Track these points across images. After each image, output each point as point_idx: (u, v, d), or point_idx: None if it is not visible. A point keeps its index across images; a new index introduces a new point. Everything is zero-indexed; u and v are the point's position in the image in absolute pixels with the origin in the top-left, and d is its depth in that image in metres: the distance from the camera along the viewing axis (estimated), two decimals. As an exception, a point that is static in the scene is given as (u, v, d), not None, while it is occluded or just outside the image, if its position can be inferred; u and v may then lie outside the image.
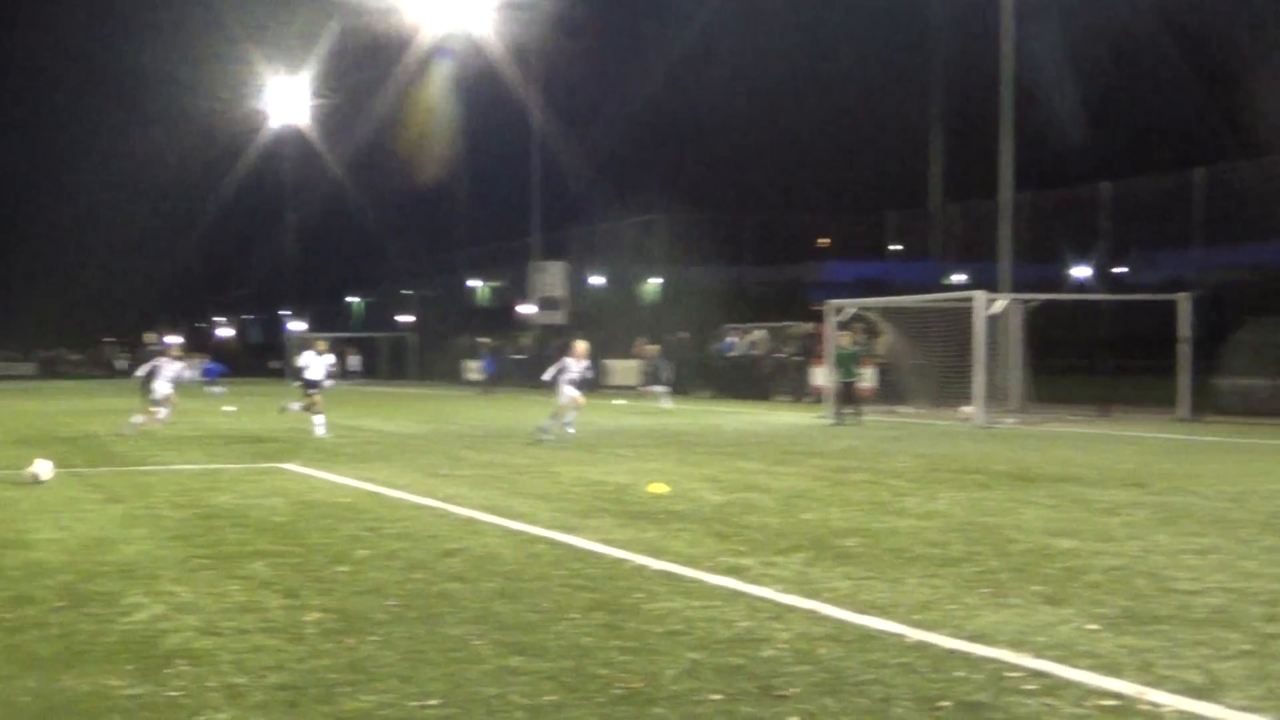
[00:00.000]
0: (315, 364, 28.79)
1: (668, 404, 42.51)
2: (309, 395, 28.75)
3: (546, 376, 27.86)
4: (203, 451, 24.64)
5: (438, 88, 77.86)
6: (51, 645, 8.56)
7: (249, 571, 11.28)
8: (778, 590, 10.26)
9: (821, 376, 41.44)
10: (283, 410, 31.36)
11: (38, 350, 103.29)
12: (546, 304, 72.67)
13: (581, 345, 28.08)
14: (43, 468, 18.82)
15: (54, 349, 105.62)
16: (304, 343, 35.30)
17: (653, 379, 46.11)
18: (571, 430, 27.12)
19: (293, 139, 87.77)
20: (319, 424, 28.02)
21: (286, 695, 7.36)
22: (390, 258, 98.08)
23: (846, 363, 33.41)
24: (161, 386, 29.21)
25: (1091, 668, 7.78)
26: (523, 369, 65.90)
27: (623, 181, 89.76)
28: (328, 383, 29.36)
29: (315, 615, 9.41)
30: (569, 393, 26.95)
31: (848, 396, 33.36)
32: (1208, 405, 34.55)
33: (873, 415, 34.61)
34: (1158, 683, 7.42)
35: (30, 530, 13.80)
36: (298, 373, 30.21)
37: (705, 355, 53.83)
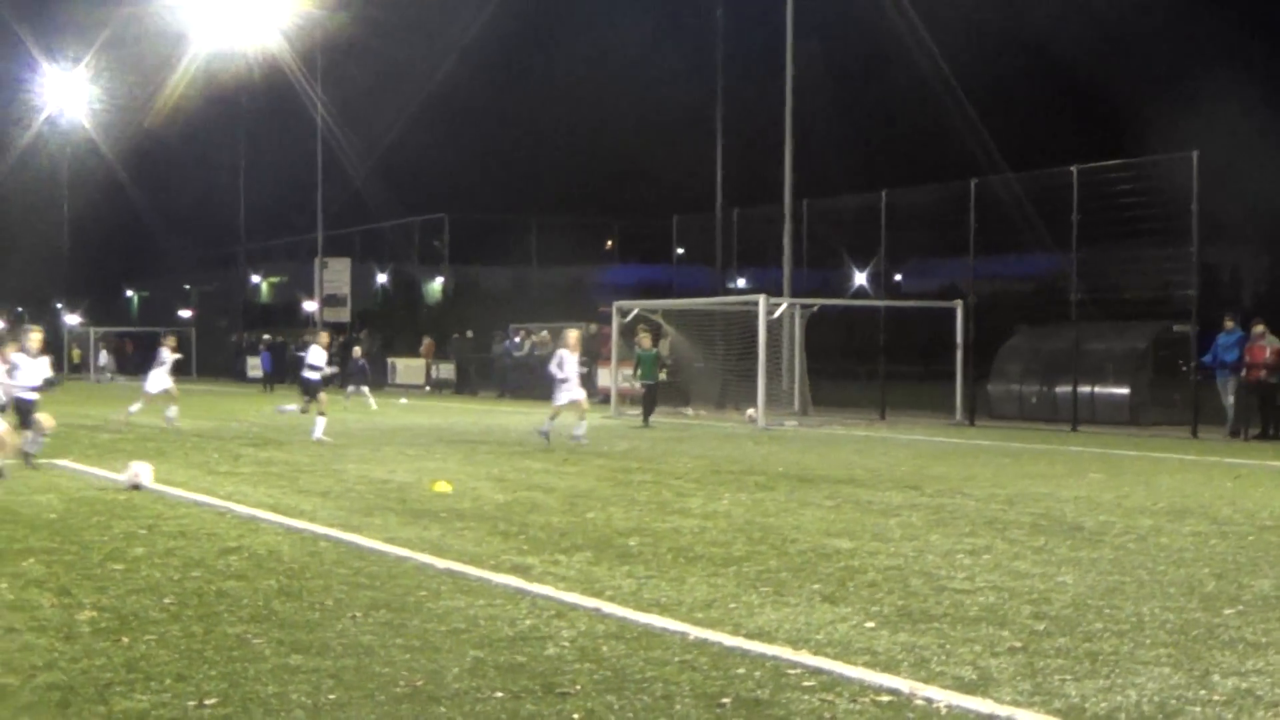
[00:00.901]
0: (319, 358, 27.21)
1: (371, 404, 41.60)
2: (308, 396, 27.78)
3: (552, 369, 25.98)
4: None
5: (219, 82, 76.44)
6: None
7: (19, 569, 10.97)
8: (561, 589, 10.29)
9: (607, 377, 41.64)
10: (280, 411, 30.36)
11: None
12: (331, 301, 71.92)
13: (574, 334, 26.58)
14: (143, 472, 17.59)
15: None
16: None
17: (360, 378, 44.86)
18: (580, 435, 25.18)
19: (70, 130, 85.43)
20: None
21: (58, 695, 7.18)
22: (170, 252, 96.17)
23: (648, 364, 33.45)
24: None
25: (868, 665, 7.94)
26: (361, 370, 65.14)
27: (408, 180, 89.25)
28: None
29: (89, 614, 9.20)
30: (570, 393, 25.57)
31: (652, 398, 33.34)
32: (982, 410, 35.48)
33: (657, 417, 34.84)
34: (931, 679, 7.61)
35: None
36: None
37: (491, 355, 53.70)
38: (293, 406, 30.02)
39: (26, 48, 78.65)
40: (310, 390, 27.09)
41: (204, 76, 71.28)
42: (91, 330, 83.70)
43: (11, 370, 20.11)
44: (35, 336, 21.18)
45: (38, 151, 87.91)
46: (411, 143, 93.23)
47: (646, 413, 32.97)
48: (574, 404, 25.63)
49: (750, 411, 33.84)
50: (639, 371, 33.92)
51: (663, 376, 33.23)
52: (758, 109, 50.62)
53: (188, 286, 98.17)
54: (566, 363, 25.64)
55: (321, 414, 25.89)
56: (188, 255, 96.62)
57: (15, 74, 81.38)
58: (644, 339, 34.76)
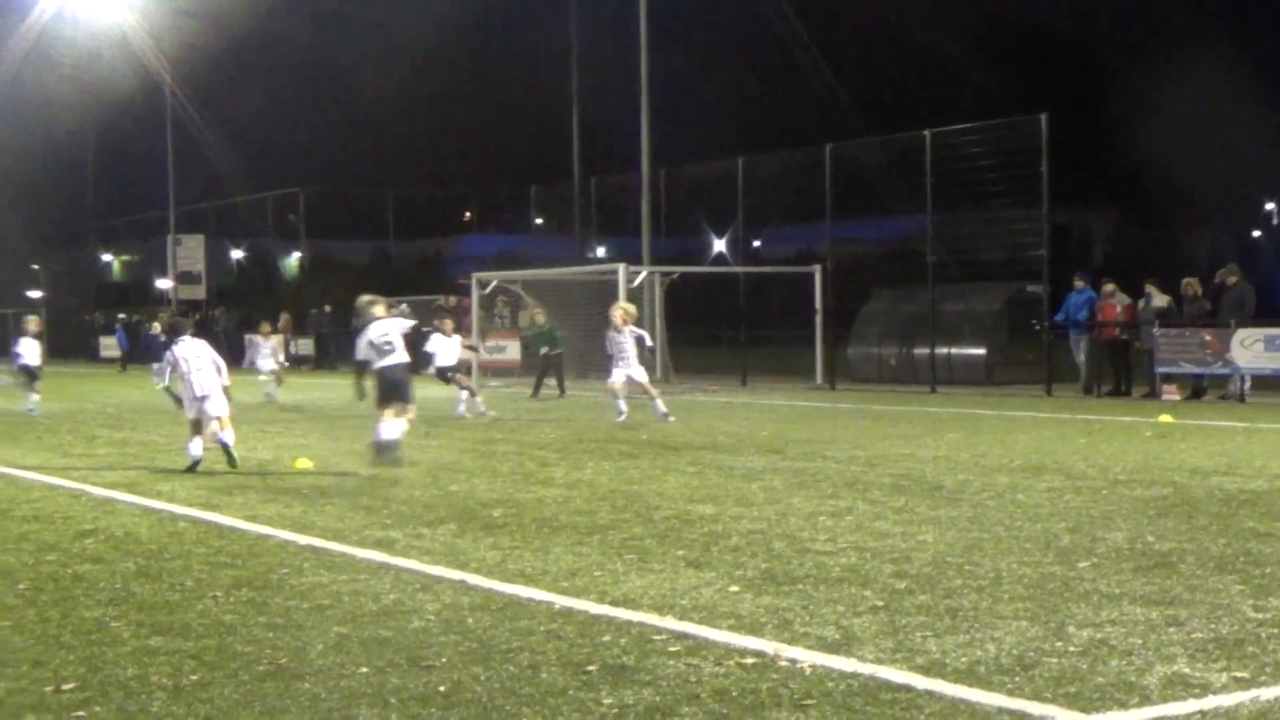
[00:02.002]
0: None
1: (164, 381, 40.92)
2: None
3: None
4: None
5: (67, 51, 74.85)
6: None
7: None
8: (426, 562, 10.25)
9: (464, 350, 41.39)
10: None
11: None
12: (185, 278, 70.84)
13: (625, 310, 24.92)
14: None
15: None
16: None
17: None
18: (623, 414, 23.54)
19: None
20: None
21: (-90, 686, 7.03)
22: (14, 230, 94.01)
23: (545, 337, 33.00)
24: None
25: (733, 628, 8.00)
26: (160, 346, 64.12)
27: (262, 154, 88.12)
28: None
29: (-60, 602, 9.01)
30: (632, 372, 24.08)
31: (546, 369, 32.82)
32: (842, 373, 35.81)
33: (517, 388, 34.81)
34: (796, 640, 7.68)
35: None
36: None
37: (350, 330, 53.27)
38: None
39: None
40: None
41: (49, 46, 69.78)
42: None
43: None
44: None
45: None
46: (265, 116, 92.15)
47: (540, 383, 32.50)
48: (625, 382, 24.12)
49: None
50: (537, 344, 33.43)
51: (552, 351, 32.75)
52: (614, 76, 50.62)
53: (36, 266, 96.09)
54: (621, 346, 24.26)
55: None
56: (33, 233, 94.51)
57: None
58: (537, 314, 34.38)
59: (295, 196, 77.10)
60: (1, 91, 75.16)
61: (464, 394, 25.43)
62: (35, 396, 27.84)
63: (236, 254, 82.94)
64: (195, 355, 16.99)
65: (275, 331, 32.10)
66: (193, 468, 16.41)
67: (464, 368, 25.97)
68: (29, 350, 28.66)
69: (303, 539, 11.41)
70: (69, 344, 71.31)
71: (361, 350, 16.69)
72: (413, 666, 7.24)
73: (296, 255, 79.54)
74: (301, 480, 15.59)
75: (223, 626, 8.22)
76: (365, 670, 7.17)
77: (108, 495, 14.56)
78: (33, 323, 29.97)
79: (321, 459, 17.64)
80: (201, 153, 73.41)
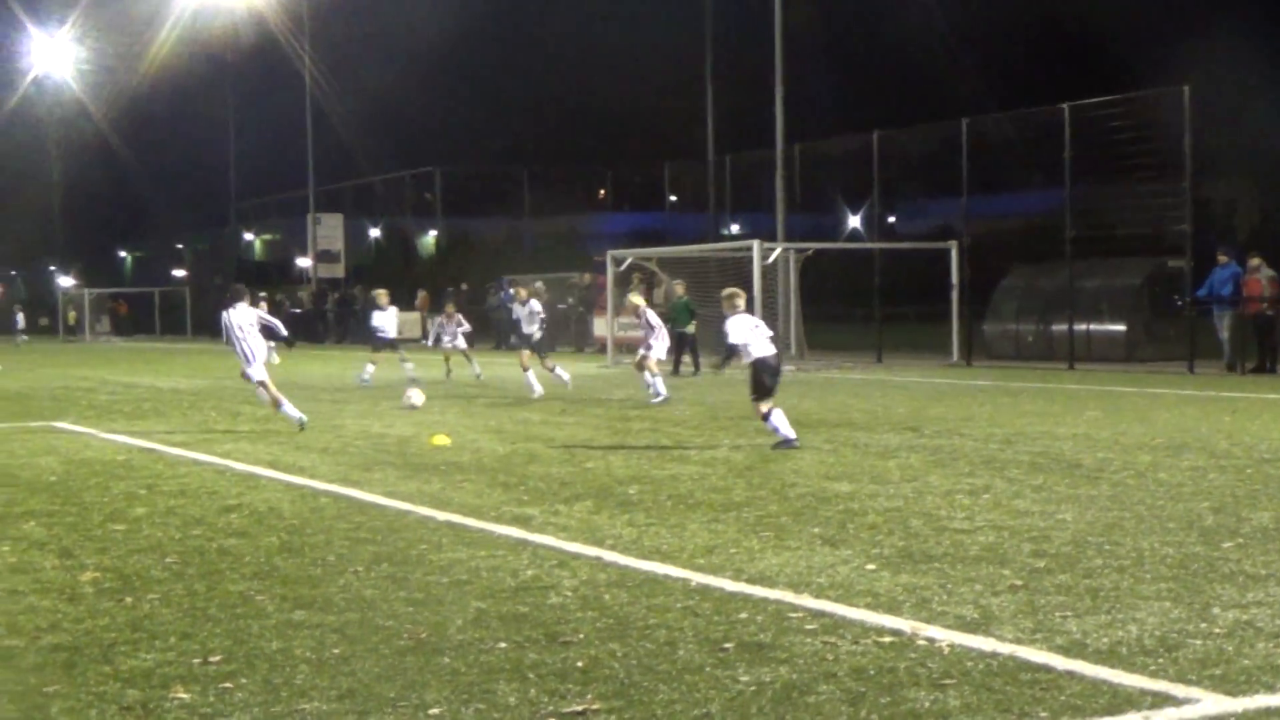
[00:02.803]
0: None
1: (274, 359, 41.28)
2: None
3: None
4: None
5: (208, 37, 76.10)
6: None
7: (21, 532, 11.00)
8: (562, 538, 10.32)
9: (603, 326, 41.64)
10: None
11: None
12: (324, 257, 71.79)
13: (678, 286, 25.13)
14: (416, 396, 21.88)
15: None
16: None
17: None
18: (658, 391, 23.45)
19: (57, 91, 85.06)
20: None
21: (63, 656, 7.20)
22: (162, 211, 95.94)
23: (681, 312, 32.91)
24: None
25: (870, 606, 7.97)
26: (300, 323, 65.07)
27: (400, 133, 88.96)
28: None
29: (91, 575, 9.22)
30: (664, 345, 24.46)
31: (681, 346, 32.73)
32: (978, 350, 35.49)
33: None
34: (933, 619, 7.63)
35: None
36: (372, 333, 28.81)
37: (485, 307, 53.64)
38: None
39: (10, 8, 78.19)
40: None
41: (191, 33, 70.98)
42: (86, 292, 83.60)
43: None
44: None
45: (26, 114, 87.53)
46: (402, 96, 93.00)
47: (677, 361, 32.40)
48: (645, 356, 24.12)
49: (715, 360, 33.60)
50: (676, 320, 33.30)
51: (691, 329, 32.51)
52: (748, 53, 50.46)
53: (180, 246, 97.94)
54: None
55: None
56: (180, 214, 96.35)
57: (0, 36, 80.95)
58: (678, 287, 34.31)
59: (431, 175, 77.81)
60: (144, 75, 76.64)
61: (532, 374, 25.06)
62: (371, 367, 29.16)
63: (374, 232, 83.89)
64: (248, 323, 18.78)
65: (450, 311, 31.97)
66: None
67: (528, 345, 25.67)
68: (386, 322, 29.30)
69: (441, 515, 11.53)
70: (212, 322, 72.59)
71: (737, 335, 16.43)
72: (551, 642, 7.30)
73: (433, 233, 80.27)
74: (439, 457, 15.74)
75: (364, 601, 8.34)
76: (504, 645, 7.24)
77: (250, 471, 14.81)
78: (383, 296, 30.54)
79: (458, 435, 17.80)
80: (340, 132, 74.33)
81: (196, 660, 7.08)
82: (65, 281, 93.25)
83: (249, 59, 76.78)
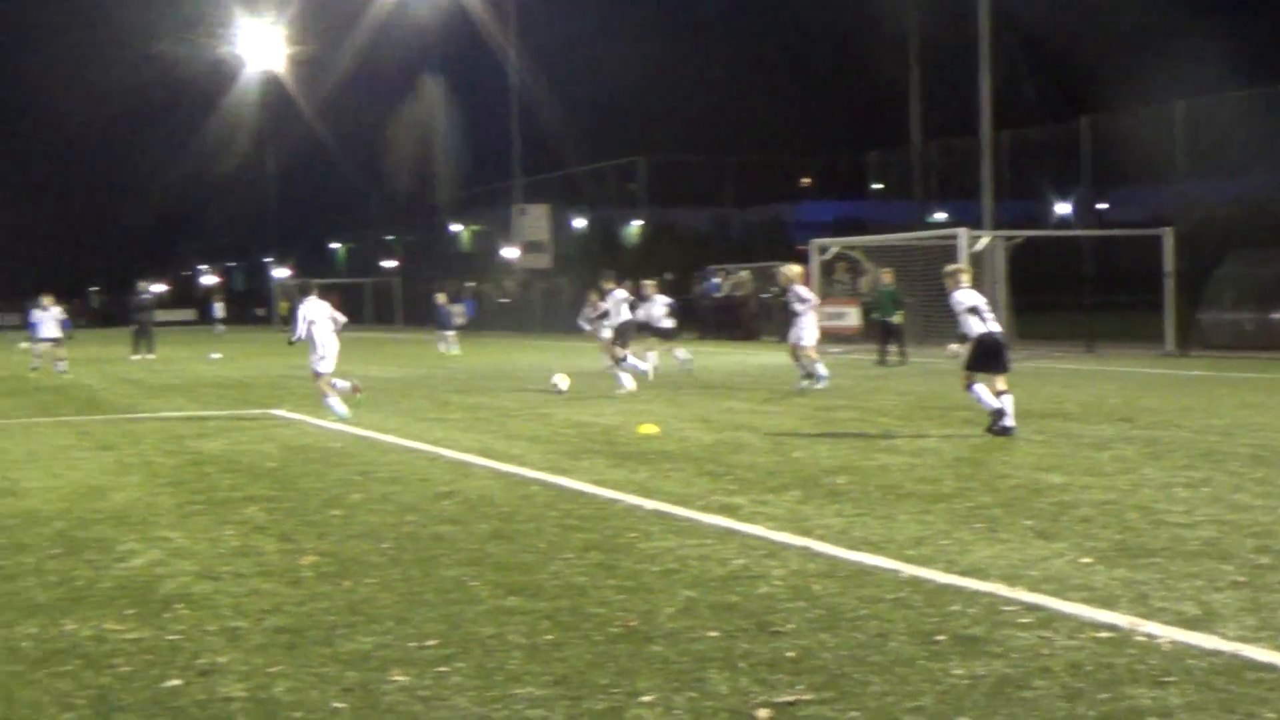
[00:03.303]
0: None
1: (454, 349, 41.54)
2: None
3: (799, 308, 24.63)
4: (189, 399, 24.63)
5: (414, 29, 77.38)
6: (50, 591, 8.60)
7: (243, 516, 11.31)
8: (770, 528, 10.31)
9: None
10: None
11: (22, 300, 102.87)
12: (530, 247, 72.56)
13: (796, 269, 25.15)
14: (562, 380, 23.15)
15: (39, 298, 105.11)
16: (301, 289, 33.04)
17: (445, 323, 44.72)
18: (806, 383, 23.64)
19: (271, 84, 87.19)
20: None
21: (285, 637, 7.39)
22: (372, 203, 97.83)
23: (887, 301, 32.61)
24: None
25: (1086, 601, 7.82)
26: (507, 313, 65.91)
27: (604, 123, 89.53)
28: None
29: (311, 559, 9.45)
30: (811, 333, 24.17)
31: (887, 335, 32.49)
32: (1193, 340, 34.61)
33: (857, 354, 34.67)
34: (1152, 614, 7.47)
35: (23, 479, 13.83)
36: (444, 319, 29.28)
37: (690, 297, 53.79)
38: (682, 353, 30.02)
39: (226, 5, 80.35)
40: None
41: (396, 26, 72.27)
42: (299, 283, 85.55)
43: None
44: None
45: (241, 110, 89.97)
46: (607, 87, 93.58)
47: (884, 349, 32.15)
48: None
49: (953, 347, 33.27)
50: (881, 309, 33.00)
51: (897, 319, 32.19)
52: (954, 37, 49.77)
53: (391, 237, 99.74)
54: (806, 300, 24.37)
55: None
56: (390, 206, 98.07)
57: (215, 30, 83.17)
58: (885, 275, 33.97)
59: (636, 165, 78.18)
60: (354, 69, 78.22)
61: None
62: (653, 355, 29.02)
63: (579, 223, 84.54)
64: (321, 315, 19.98)
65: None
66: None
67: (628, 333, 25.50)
68: (657, 311, 29.90)
69: (649, 503, 11.59)
70: (421, 312, 73.83)
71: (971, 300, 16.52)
72: (761, 632, 7.30)
73: (637, 223, 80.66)
74: (646, 445, 15.83)
75: (574, 588, 8.42)
76: (714, 634, 7.26)
77: (462, 459, 15.04)
78: (651, 286, 31.11)
79: (665, 425, 17.88)
80: (546, 124, 75.08)
81: (413, 644, 7.22)
82: (280, 273, 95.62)
83: (456, 52, 77.91)
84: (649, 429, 17.20)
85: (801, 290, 23.78)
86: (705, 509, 11.25)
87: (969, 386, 16.19)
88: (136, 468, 14.69)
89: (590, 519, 10.90)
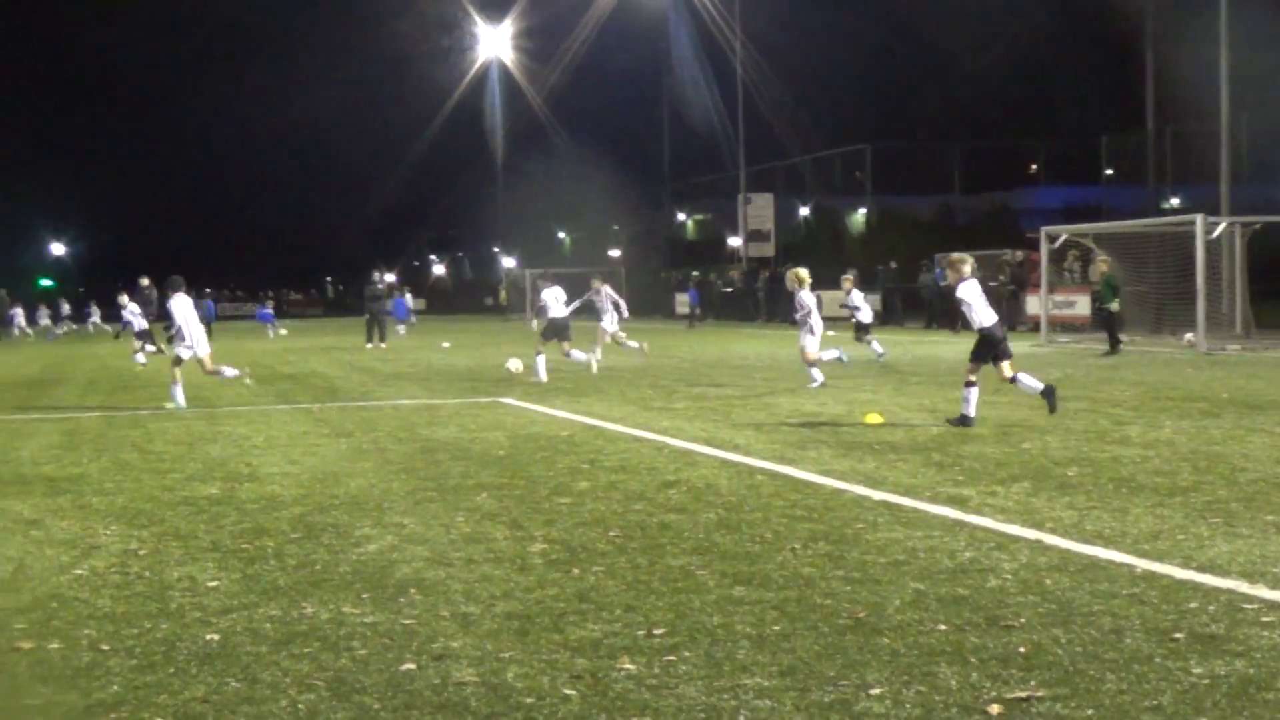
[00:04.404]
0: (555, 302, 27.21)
1: (632, 344, 40.77)
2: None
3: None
4: (421, 387, 25.13)
5: (638, 20, 77.89)
6: (290, 575, 8.85)
7: (474, 503, 11.50)
8: (1000, 520, 10.16)
9: (1036, 304, 40.80)
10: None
11: (263, 290, 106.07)
12: (755, 236, 72.56)
13: (803, 272, 24.04)
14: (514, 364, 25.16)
15: (278, 289, 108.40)
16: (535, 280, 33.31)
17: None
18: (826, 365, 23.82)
19: (498, 75, 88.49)
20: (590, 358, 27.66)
21: (516, 624, 7.50)
22: (598, 193, 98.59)
23: (1105, 289, 31.91)
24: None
25: (1331, 599, 7.58)
26: (731, 302, 65.99)
27: (829, 111, 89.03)
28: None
29: (540, 546, 9.58)
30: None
31: (1111, 324, 31.79)
32: None
33: (1088, 343, 33.97)
34: (1402, 614, 7.21)
35: (262, 465, 14.25)
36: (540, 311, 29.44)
37: (916, 285, 53.26)
38: (878, 345, 30.11)
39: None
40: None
41: (625, 15, 72.80)
42: (527, 272, 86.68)
43: None
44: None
45: (471, 102, 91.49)
46: (832, 73, 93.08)
47: (1115, 338, 31.42)
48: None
49: (1188, 336, 32.57)
50: (1103, 297, 32.31)
51: (1114, 306, 31.45)
52: (1190, 17, 48.46)
53: (616, 227, 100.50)
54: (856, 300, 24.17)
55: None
56: (616, 196, 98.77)
57: (445, 25, 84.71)
58: (1101, 264, 33.23)
59: (861, 153, 77.67)
60: (580, 60, 78.93)
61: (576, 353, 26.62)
62: (875, 343, 29.97)
63: (803, 211, 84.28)
64: (188, 309, 21.56)
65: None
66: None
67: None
68: (860, 300, 30.41)
69: (876, 494, 11.51)
70: (646, 301, 74.34)
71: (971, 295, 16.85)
72: (991, 626, 7.20)
73: (862, 211, 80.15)
74: (872, 435, 15.72)
75: (801, 579, 8.40)
76: (943, 628, 7.19)
77: (687, 447, 15.10)
78: (849, 279, 31.47)
79: (891, 414, 17.74)
80: (771, 112, 74.93)
81: (641, 632, 7.27)
82: (508, 262, 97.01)
83: (676, 38, 78.16)
84: (875, 418, 17.09)
85: (805, 296, 23.12)
86: (933, 500, 11.14)
87: (1012, 380, 16.74)
88: (370, 454, 15.04)
89: (816, 509, 10.86)
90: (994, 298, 44.66)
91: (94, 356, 41.03)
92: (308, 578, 8.74)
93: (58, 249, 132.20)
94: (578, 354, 26.87)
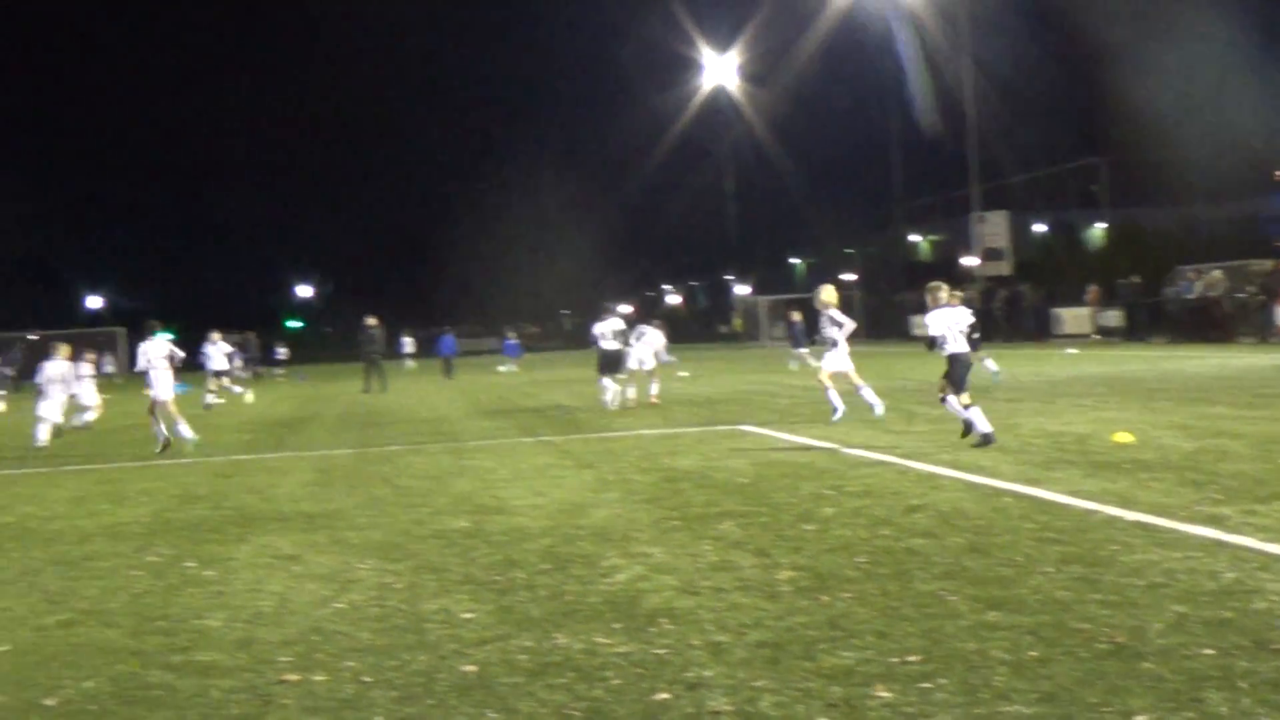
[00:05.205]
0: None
1: (812, 362, 39.74)
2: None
3: None
4: (661, 416, 25.27)
5: (864, 42, 77.59)
6: (541, 606, 8.95)
7: (719, 532, 11.52)
8: (1262, 540, 9.83)
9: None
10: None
11: (501, 325, 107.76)
12: (990, 255, 71.56)
13: (832, 291, 22.96)
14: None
15: (514, 323, 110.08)
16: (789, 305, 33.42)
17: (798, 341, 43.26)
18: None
19: (725, 103, 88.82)
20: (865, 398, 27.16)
21: (768, 652, 7.49)
22: (830, 217, 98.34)
23: None
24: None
25: None
26: (802, 333, 65.18)
27: (1062, 124, 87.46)
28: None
29: (787, 573, 9.54)
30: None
31: None
32: None
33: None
34: None
35: (510, 497, 14.47)
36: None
37: (1160, 299, 51.99)
38: (991, 364, 29.85)
39: (684, 29, 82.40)
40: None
41: (850, 37, 72.57)
42: (760, 299, 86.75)
43: None
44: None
45: (699, 130, 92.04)
46: (1066, 89, 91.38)
47: None
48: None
49: None
50: None
51: None
52: None
53: (849, 250, 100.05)
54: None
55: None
56: (847, 219, 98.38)
57: (672, 54, 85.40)
58: None
59: (1097, 166, 76.16)
60: (806, 84, 78.88)
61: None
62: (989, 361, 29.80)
63: (1039, 227, 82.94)
64: (159, 355, 23.27)
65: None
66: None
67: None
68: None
69: (1129, 514, 11.23)
70: (883, 324, 73.89)
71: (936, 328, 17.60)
72: (1260, 649, 6.97)
73: (1100, 226, 78.55)
74: (1122, 454, 15.34)
75: (1056, 603, 8.22)
76: (1209, 652, 6.97)
77: (931, 471, 14.92)
78: (956, 297, 31.37)
79: (1141, 433, 17.31)
80: (1003, 129, 73.92)
81: (894, 659, 7.20)
82: (741, 290, 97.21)
83: (908, 60, 77.53)
84: (1124, 437, 16.69)
85: (836, 314, 22.25)
86: (1190, 520, 10.82)
87: (966, 408, 17.10)
88: (615, 485, 15.16)
89: (1068, 531, 10.63)
90: (1242, 308, 43.46)
91: (343, 395, 42.13)
92: (559, 608, 8.84)
93: (304, 291, 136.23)
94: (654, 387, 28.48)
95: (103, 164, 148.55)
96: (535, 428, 24.04)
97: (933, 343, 17.69)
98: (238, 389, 43.53)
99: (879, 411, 21.46)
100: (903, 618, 8.09)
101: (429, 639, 8.24)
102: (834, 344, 21.95)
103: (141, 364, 23.77)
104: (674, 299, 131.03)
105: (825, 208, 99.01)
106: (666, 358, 27.66)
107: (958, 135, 69.35)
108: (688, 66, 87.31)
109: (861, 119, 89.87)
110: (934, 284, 18.32)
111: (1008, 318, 61.82)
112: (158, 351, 23.52)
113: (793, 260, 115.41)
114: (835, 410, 21.56)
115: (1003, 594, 8.53)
